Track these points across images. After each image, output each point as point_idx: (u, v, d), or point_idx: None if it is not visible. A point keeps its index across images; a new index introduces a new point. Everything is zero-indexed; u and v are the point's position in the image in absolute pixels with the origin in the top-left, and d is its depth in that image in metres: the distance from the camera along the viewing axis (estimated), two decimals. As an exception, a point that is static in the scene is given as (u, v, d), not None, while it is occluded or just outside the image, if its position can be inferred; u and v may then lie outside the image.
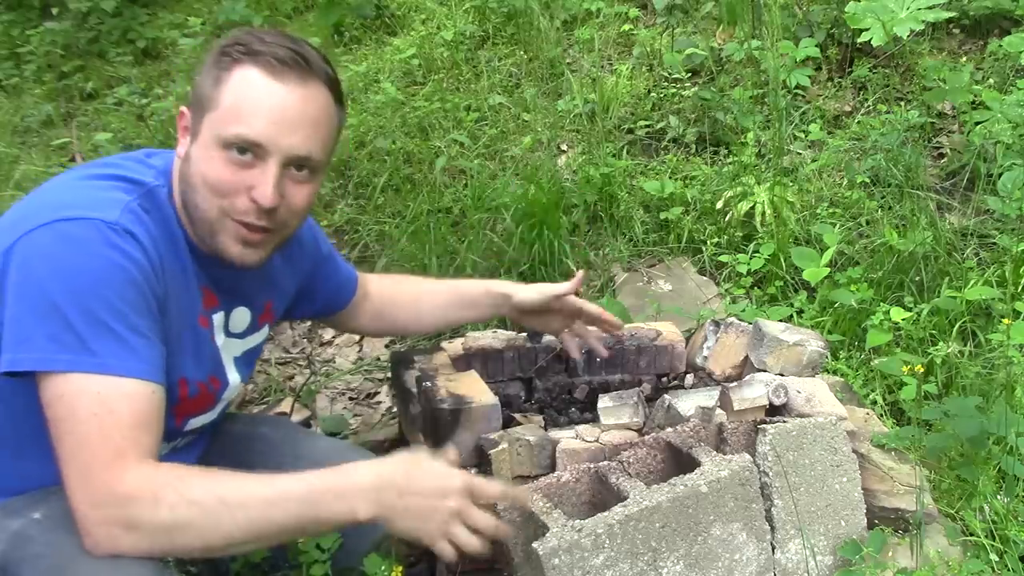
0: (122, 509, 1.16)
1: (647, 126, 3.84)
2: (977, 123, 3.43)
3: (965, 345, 2.57)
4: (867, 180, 3.30)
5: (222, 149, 1.30)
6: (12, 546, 1.26)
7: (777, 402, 1.87)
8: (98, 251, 1.22)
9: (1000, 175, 3.11)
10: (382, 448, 2.20)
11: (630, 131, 3.85)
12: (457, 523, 1.27)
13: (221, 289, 1.47)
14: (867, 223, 3.14)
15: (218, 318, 1.48)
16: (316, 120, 1.33)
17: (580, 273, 1.84)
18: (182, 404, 1.42)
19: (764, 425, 1.70)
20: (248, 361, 1.60)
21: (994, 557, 1.71)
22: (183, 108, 1.39)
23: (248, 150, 1.30)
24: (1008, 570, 1.69)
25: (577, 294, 1.89)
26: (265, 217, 1.33)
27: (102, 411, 1.18)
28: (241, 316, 1.54)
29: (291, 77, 1.30)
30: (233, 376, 1.54)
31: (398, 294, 1.91)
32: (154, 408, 1.24)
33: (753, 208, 3.15)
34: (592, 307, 1.91)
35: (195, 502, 1.18)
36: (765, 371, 2.02)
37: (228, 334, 1.52)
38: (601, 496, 1.61)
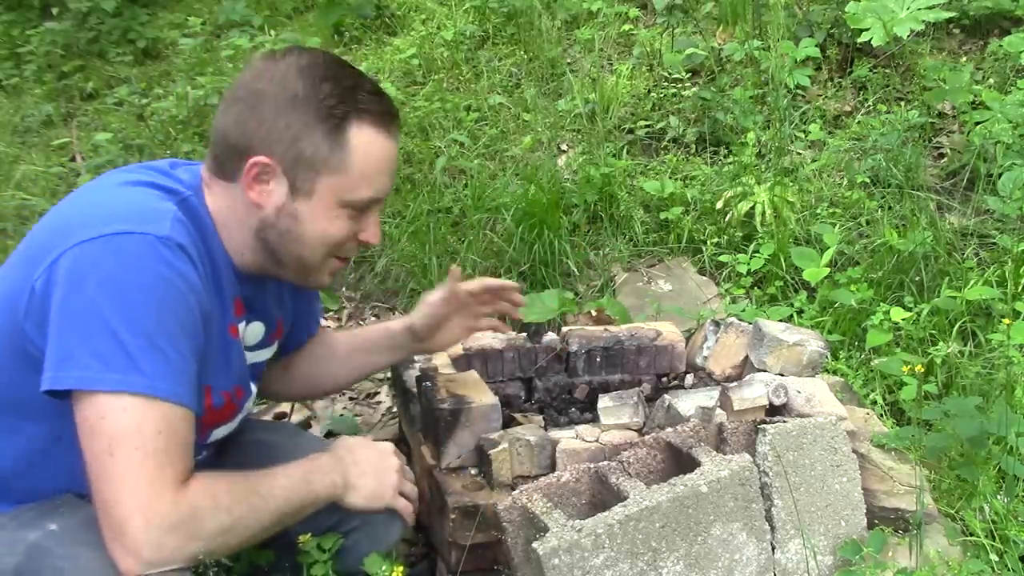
0: (187, 523, 1.18)
1: (647, 126, 3.84)
2: (977, 123, 3.43)
3: (965, 345, 2.57)
4: (867, 180, 3.31)
5: (344, 208, 1.38)
6: (29, 557, 1.23)
7: (777, 402, 1.87)
8: (153, 268, 1.20)
9: (1000, 175, 3.11)
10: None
11: (630, 131, 3.85)
12: (402, 479, 1.53)
13: (245, 300, 1.48)
14: (867, 223, 3.14)
15: (242, 327, 1.48)
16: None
17: (453, 269, 1.76)
18: (207, 414, 1.41)
19: (764, 425, 1.70)
20: (253, 375, 1.59)
21: (994, 557, 1.71)
22: (262, 159, 1.32)
23: (368, 206, 1.40)
24: (1008, 570, 1.69)
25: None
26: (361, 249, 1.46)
27: (168, 431, 1.18)
28: (255, 330, 1.54)
29: (394, 130, 1.40)
30: (253, 386, 1.55)
31: (320, 351, 1.80)
32: (192, 429, 1.26)
33: (753, 208, 3.15)
34: (478, 283, 1.79)
35: (242, 501, 1.26)
36: (765, 371, 2.02)
37: (247, 346, 1.53)
38: (601, 496, 1.61)
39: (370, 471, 1.48)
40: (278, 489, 1.32)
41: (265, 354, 1.61)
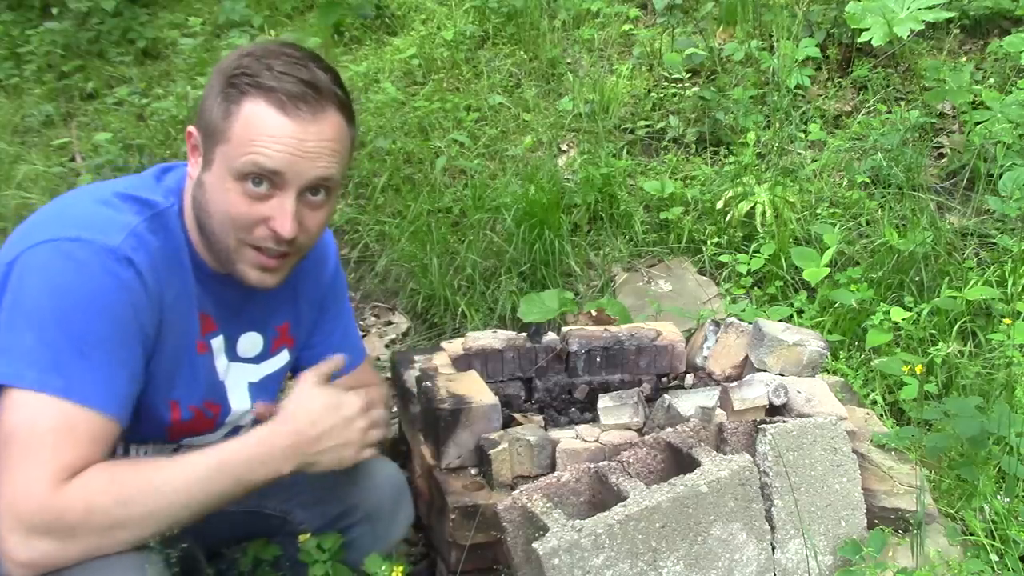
0: (56, 526, 1.16)
1: (647, 126, 3.84)
2: (977, 123, 3.43)
3: (965, 345, 2.57)
4: (867, 180, 3.31)
5: (237, 181, 1.29)
6: None
7: (777, 402, 1.87)
8: (92, 275, 1.22)
9: (1000, 175, 3.11)
10: (381, 447, 2.19)
11: (630, 131, 3.85)
12: (368, 434, 1.41)
13: (225, 312, 1.45)
14: (867, 223, 3.14)
15: (217, 343, 1.46)
16: (331, 149, 1.32)
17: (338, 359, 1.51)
18: (174, 427, 1.41)
19: (764, 425, 1.70)
20: (267, 387, 1.56)
21: (994, 557, 1.71)
22: (190, 128, 1.37)
23: (264, 181, 1.29)
24: (1008, 570, 1.69)
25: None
26: (285, 244, 1.33)
27: (63, 430, 1.18)
28: (250, 341, 1.52)
29: (303, 112, 1.28)
30: (239, 402, 1.51)
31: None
32: (109, 439, 1.24)
33: (753, 208, 3.15)
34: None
35: (126, 501, 1.19)
36: (765, 371, 2.02)
37: (236, 359, 1.50)
38: (601, 496, 1.61)
39: (332, 443, 1.36)
40: (186, 484, 1.24)
41: (276, 363, 1.57)
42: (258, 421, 1.52)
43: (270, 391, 1.57)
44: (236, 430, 1.54)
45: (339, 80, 1.35)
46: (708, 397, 1.89)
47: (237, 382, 1.51)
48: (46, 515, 1.16)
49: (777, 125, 3.59)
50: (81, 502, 1.17)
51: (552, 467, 1.77)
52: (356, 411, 1.39)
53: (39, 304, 1.20)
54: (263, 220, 1.31)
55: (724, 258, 3.08)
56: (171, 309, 1.34)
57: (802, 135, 3.66)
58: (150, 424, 1.38)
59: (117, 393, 1.24)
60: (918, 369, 2.06)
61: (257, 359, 1.54)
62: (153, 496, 1.21)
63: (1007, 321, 2.40)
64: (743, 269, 3.00)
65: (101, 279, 1.22)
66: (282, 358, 1.59)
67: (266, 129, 1.27)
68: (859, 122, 3.70)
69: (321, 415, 1.35)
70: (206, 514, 1.27)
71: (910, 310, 2.61)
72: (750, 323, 2.15)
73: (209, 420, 1.47)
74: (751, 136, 3.51)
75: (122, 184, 1.38)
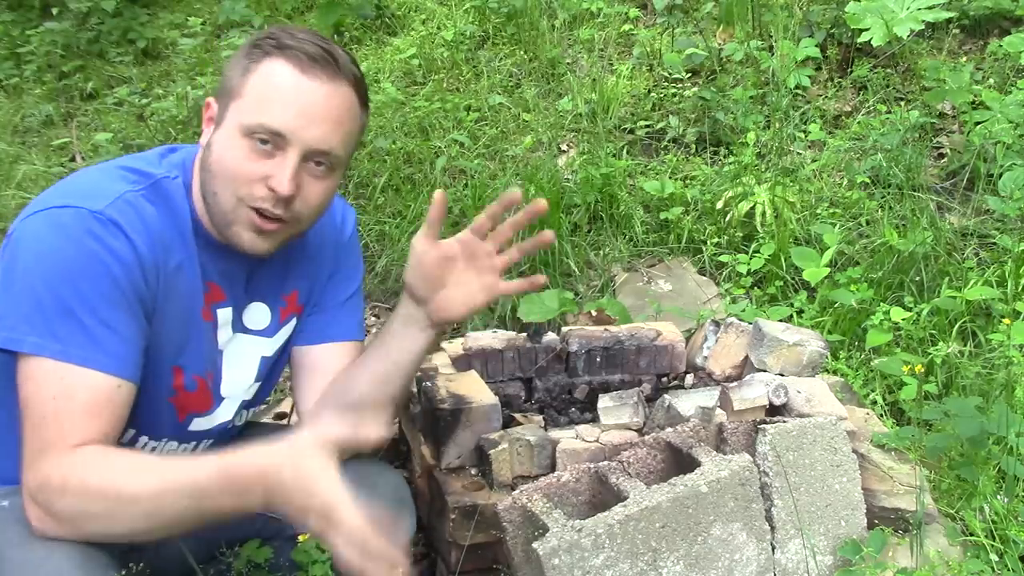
0: (43, 495, 1.19)
1: (647, 126, 3.84)
2: (977, 123, 3.43)
3: (965, 345, 2.57)
4: (867, 180, 3.31)
5: (244, 137, 1.32)
6: None
7: (777, 402, 1.87)
8: (78, 240, 1.25)
9: (1000, 175, 3.11)
10: (381, 449, 2.20)
11: (630, 131, 3.85)
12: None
13: (232, 283, 1.46)
14: (867, 223, 3.14)
15: (224, 314, 1.47)
16: (339, 118, 1.35)
17: (437, 194, 1.41)
18: (179, 396, 1.41)
19: (764, 425, 1.70)
20: (281, 361, 1.57)
21: (994, 557, 1.71)
22: (209, 99, 1.40)
23: (269, 139, 1.32)
24: (1008, 570, 1.69)
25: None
26: (281, 206, 1.34)
27: (61, 396, 1.21)
28: (258, 313, 1.53)
29: (319, 73, 1.32)
30: (243, 375, 1.50)
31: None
32: (115, 401, 1.25)
33: (753, 208, 3.15)
34: (479, 219, 1.45)
35: (94, 492, 1.18)
36: (765, 371, 2.02)
37: (243, 330, 1.51)
38: (601, 496, 1.61)
39: (293, 512, 1.19)
40: (148, 496, 1.18)
41: (282, 336, 1.56)
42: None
43: (283, 363, 1.58)
44: (240, 407, 1.54)
45: (357, 64, 1.39)
46: (708, 397, 1.89)
47: (242, 354, 1.51)
48: (40, 482, 1.19)
49: (777, 125, 3.59)
50: (58, 479, 1.19)
51: (552, 467, 1.77)
52: (314, 507, 1.16)
53: (31, 271, 1.24)
54: (263, 178, 1.32)
55: (724, 258, 3.08)
56: (174, 275, 1.36)
57: (802, 135, 3.66)
58: (154, 391, 1.38)
59: (114, 352, 1.26)
60: (918, 369, 2.06)
61: (268, 331, 1.54)
62: (117, 497, 1.18)
63: (1007, 321, 2.40)
64: (743, 269, 3.00)
65: (87, 243, 1.25)
66: (289, 328, 1.59)
67: (280, 85, 1.31)
68: (859, 122, 3.70)
69: (292, 478, 1.17)
70: (176, 532, 1.22)
71: (910, 310, 2.61)
72: (750, 323, 2.15)
73: (208, 393, 1.47)
74: (751, 136, 3.51)
75: (126, 159, 1.42)
